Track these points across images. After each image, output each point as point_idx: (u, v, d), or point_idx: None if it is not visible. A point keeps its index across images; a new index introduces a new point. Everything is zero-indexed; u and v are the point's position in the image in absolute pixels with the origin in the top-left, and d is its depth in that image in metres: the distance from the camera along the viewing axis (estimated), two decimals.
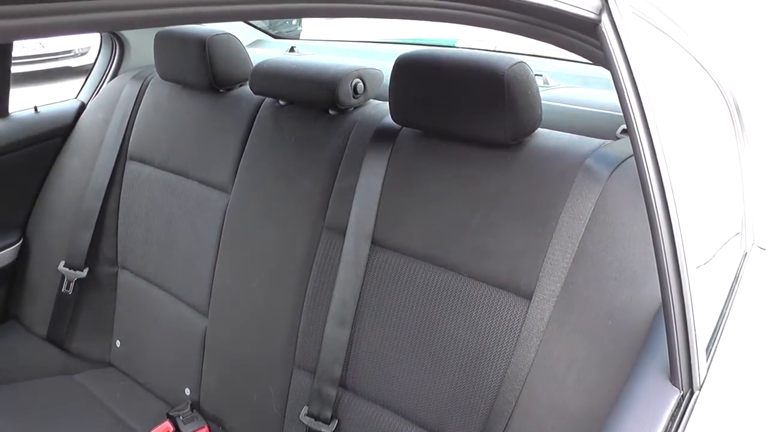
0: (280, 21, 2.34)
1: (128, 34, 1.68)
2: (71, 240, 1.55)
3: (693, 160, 0.83)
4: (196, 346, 1.37)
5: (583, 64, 1.34)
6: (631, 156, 0.89)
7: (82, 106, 1.67)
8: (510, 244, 0.96)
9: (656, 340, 0.73)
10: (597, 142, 0.97)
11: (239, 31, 1.64)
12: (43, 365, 1.53)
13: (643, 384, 0.68)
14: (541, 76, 1.35)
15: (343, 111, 1.24)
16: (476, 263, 0.99)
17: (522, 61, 0.95)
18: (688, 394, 0.67)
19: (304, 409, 1.16)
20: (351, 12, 0.52)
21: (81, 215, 1.55)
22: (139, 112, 1.55)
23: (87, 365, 1.56)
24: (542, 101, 1.00)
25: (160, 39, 1.45)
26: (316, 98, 1.22)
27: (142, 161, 1.53)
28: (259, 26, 1.99)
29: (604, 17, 0.64)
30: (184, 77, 1.44)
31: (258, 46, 1.94)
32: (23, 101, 1.63)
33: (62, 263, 1.55)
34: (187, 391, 1.39)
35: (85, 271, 1.54)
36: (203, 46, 1.34)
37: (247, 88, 1.38)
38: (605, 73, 0.70)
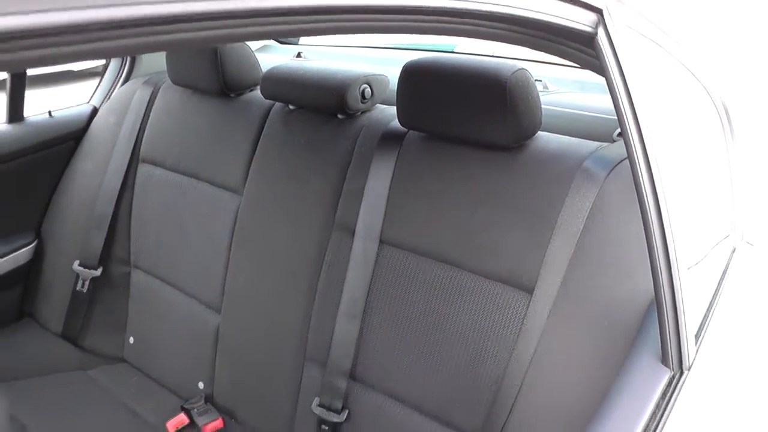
0: None
1: None
2: (85, 240, 1.59)
3: (684, 162, 0.88)
4: (209, 342, 1.42)
5: (581, 70, 1.39)
6: (626, 158, 0.94)
7: (95, 111, 1.72)
8: (511, 241, 1.01)
9: (650, 328, 0.79)
10: (594, 144, 1.03)
11: None
12: (59, 361, 1.58)
13: (638, 366, 0.73)
14: (541, 81, 1.41)
15: (351, 115, 1.29)
16: (479, 259, 1.04)
17: (523, 68, 1.00)
18: (678, 374, 0.73)
19: (316, 400, 1.21)
20: (357, 29, 0.57)
21: (94, 216, 1.59)
22: (151, 116, 1.60)
23: (101, 361, 1.61)
24: (542, 105, 1.05)
25: None
26: (325, 103, 1.27)
27: (154, 164, 1.58)
28: None
29: (600, 31, 0.69)
30: (196, 82, 1.49)
31: (265, 51, 1.99)
32: (32, 104, 1.68)
33: (77, 263, 1.59)
34: (201, 385, 1.44)
35: (100, 270, 1.59)
36: (215, 52, 1.40)
37: (257, 92, 1.43)
38: (602, 78, 0.76)
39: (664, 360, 0.71)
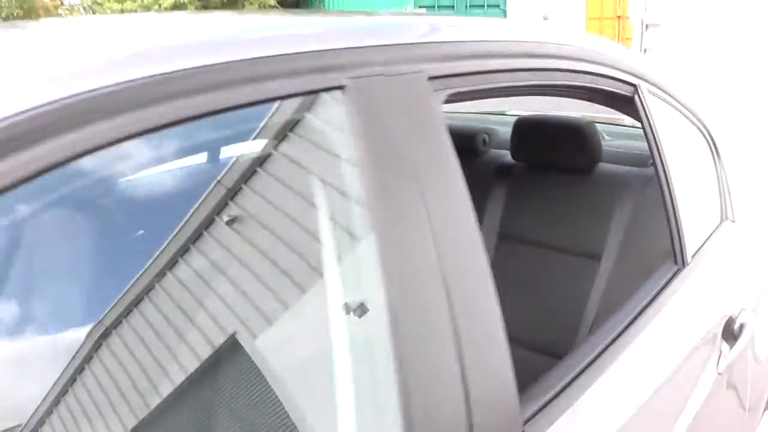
0: None
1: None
2: None
3: (687, 171, 1.50)
4: None
5: (624, 126, 2.08)
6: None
7: None
8: (586, 232, 1.66)
9: None
10: (636, 169, 1.69)
11: None
12: None
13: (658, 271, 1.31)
14: (601, 133, 2.09)
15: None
16: (567, 242, 1.70)
17: (593, 123, 1.69)
18: (682, 268, 1.31)
19: None
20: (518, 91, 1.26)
21: None
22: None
23: None
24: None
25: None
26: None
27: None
28: None
29: (636, 97, 1.35)
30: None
31: None
32: None
33: None
34: None
35: None
36: None
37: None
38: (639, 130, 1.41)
39: (675, 260, 1.31)
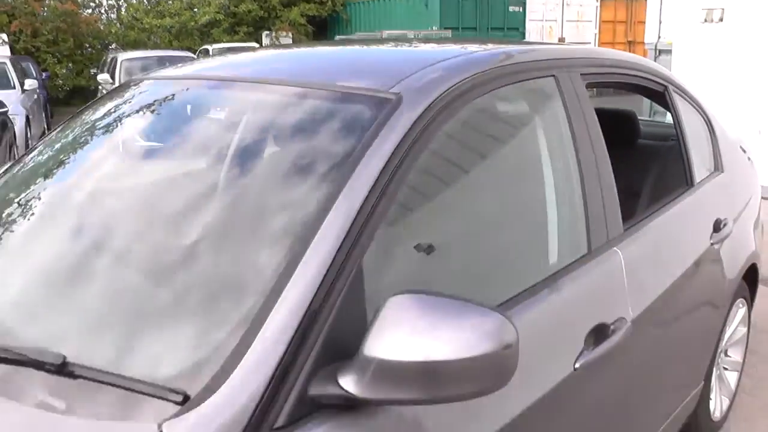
0: None
1: None
2: None
3: (697, 144, 2.44)
4: None
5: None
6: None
7: None
8: (635, 177, 2.61)
9: None
10: (660, 143, 2.63)
11: None
12: None
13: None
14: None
15: None
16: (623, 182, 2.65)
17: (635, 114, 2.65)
18: (690, 186, 2.26)
19: None
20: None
21: None
22: None
23: None
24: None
25: None
26: None
27: None
28: None
29: (666, 93, 2.30)
30: None
31: None
32: None
33: None
34: None
35: None
36: None
37: None
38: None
39: (686, 182, 2.24)
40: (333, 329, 0.97)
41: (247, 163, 1.43)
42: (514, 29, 17.41)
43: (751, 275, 2.53)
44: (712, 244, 2.13)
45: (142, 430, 0.86)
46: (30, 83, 9.64)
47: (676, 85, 2.34)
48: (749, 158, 2.89)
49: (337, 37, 19.26)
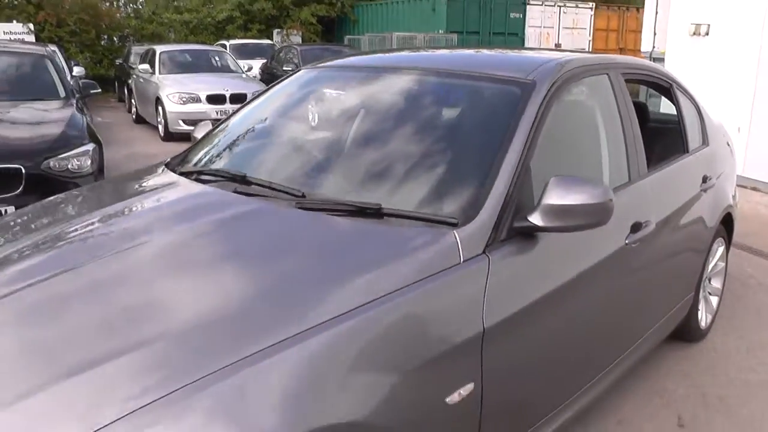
0: None
1: None
2: None
3: (691, 125, 3.46)
4: None
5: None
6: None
7: None
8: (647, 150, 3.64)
9: None
10: (664, 125, 3.66)
11: None
12: None
13: None
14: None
15: None
16: None
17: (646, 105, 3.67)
18: (686, 152, 3.29)
19: None
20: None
21: None
22: None
23: None
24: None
25: None
26: None
27: None
28: None
29: (671, 89, 3.32)
30: None
31: None
32: None
33: None
34: None
35: None
36: None
37: None
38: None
39: (683, 149, 3.26)
40: (521, 192, 1.97)
41: (454, 115, 2.42)
42: (514, 34, 18.50)
43: (727, 221, 3.57)
44: (701, 190, 3.16)
45: (440, 232, 1.84)
46: (78, 70, 10.51)
47: (678, 83, 3.37)
48: (728, 143, 3.93)
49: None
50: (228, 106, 10.17)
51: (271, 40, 19.76)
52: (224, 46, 16.39)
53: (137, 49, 16.04)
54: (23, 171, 4.42)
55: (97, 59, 18.89)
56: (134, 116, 12.54)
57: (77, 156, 4.80)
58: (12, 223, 2.28)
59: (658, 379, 3.11)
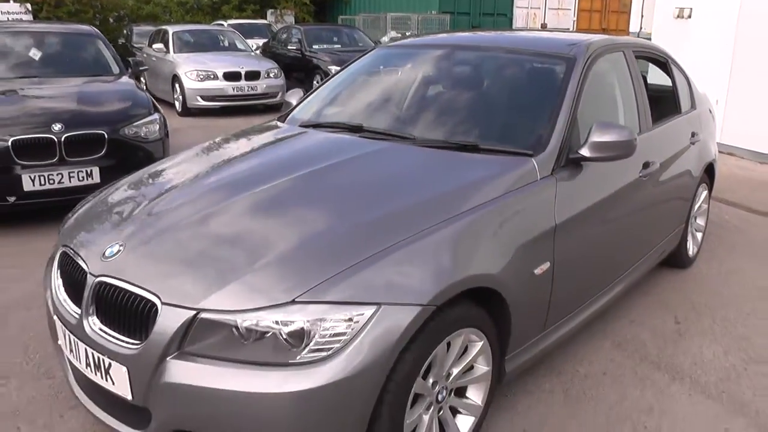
0: None
1: None
2: None
3: (682, 92, 4.26)
4: None
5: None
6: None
7: None
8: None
9: None
10: (659, 93, 4.49)
11: None
12: None
13: None
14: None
15: None
16: None
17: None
18: (679, 112, 4.11)
19: None
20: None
21: None
22: None
23: None
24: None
25: None
26: None
27: None
28: None
29: (667, 64, 4.13)
30: None
31: None
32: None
33: None
34: None
35: None
36: None
37: None
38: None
39: (676, 110, 4.07)
40: (571, 135, 2.76)
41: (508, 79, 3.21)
42: (503, 14, 19.27)
43: (710, 171, 4.41)
44: (690, 143, 3.99)
45: (523, 160, 2.63)
46: None
47: (672, 59, 4.19)
48: (710, 109, 4.77)
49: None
50: (243, 83, 10.82)
51: (266, 19, 20.26)
52: (221, 26, 16.88)
53: (138, 30, 16.52)
54: (106, 136, 5.09)
55: None
56: None
57: (146, 124, 5.48)
58: (188, 160, 3.03)
59: (658, 293, 3.96)
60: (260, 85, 11.04)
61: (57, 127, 4.88)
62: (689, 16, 8.35)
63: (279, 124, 3.40)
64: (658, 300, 3.86)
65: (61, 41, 6.76)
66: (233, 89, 10.75)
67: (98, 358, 2.07)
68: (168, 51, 11.70)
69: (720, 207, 5.70)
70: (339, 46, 13.69)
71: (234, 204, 2.33)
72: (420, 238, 2.09)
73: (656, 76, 4.45)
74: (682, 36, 8.45)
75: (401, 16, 17.48)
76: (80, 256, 2.25)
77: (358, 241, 2.06)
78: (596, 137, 2.65)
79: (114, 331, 2.05)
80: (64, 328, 2.24)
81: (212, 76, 10.76)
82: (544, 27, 19.06)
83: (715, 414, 2.73)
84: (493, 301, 2.27)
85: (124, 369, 1.98)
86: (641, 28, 9.79)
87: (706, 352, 3.25)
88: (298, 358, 1.82)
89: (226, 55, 11.70)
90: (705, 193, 4.48)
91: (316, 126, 3.21)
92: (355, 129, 3.03)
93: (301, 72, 13.11)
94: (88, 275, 2.15)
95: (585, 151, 2.66)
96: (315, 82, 12.68)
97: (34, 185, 4.79)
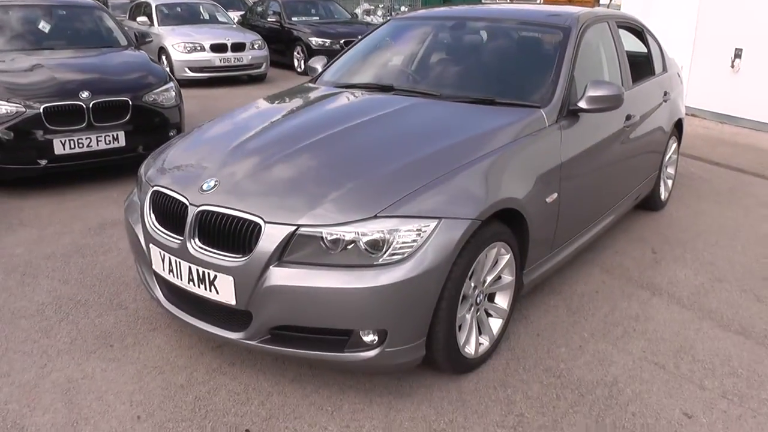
0: None
1: None
2: None
3: (656, 58, 4.84)
4: None
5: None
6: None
7: None
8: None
9: None
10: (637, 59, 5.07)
11: None
12: None
13: None
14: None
15: None
16: None
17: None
18: (653, 74, 4.70)
19: None
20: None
21: None
22: None
23: None
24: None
25: None
26: None
27: None
28: None
29: (642, 33, 4.70)
30: None
31: None
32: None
33: None
34: None
35: None
36: None
37: None
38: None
39: (650, 72, 4.66)
40: (569, 91, 3.32)
41: (512, 44, 3.74)
42: None
43: (679, 126, 5.03)
44: (663, 101, 4.59)
45: (533, 110, 3.18)
46: None
47: (647, 28, 4.77)
48: (678, 73, 5.37)
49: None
50: (230, 54, 11.12)
51: None
52: None
53: (113, 2, 16.49)
54: (130, 103, 5.47)
55: None
56: None
57: (164, 91, 5.86)
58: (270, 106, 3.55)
59: (636, 230, 4.59)
60: (245, 56, 11.34)
61: (84, 94, 5.24)
62: None
63: (314, 86, 3.87)
64: (637, 236, 4.49)
65: (67, 14, 6.98)
66: (220, 60, 11.04)
67: (203, 272, 2.53)
68: (152, 24, 11.88)
69: (687, 161, 6.38)
70: (317, 18, 14.00)
71: (310, 145, 2.83)
72: (464, 169, 2.63)
73: (630, 44, 5.02)
74: (647, 7, 9.07)
75: None
76: (177, 192, 2.71)
77: (416, 172, 2.58)
78: (591, 92, 3.20)
79: (217, 249, 2.53)
80: (163, 252, 2.69)
81: (199, 48, 11.02)
82: None
83: (689, 319, 3.36)
84: (514, 224, 2.83)
85: (231, 278, 2.46)
86: (611, 1, 10.36)
87: (679, 274, 3.88)
88: (380, 260, 2.34)
89: (210, 27, 11.94)
90: (675, 145, 5.10)
91: (350, 87, 3.69)
92: (386, 89, 3.53)
93: (281, 44, 13.41)
94: (189, 206, 2.61)
95: (582, 104, 3.21)
96: (296, 54, 13.02)
97: (64, 149, 5.16)
